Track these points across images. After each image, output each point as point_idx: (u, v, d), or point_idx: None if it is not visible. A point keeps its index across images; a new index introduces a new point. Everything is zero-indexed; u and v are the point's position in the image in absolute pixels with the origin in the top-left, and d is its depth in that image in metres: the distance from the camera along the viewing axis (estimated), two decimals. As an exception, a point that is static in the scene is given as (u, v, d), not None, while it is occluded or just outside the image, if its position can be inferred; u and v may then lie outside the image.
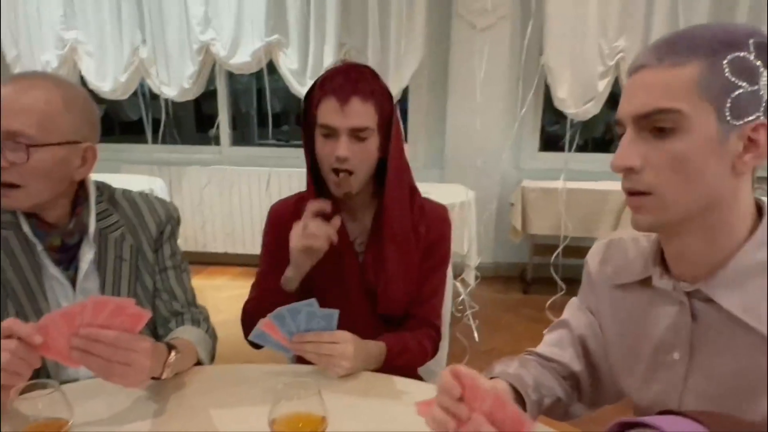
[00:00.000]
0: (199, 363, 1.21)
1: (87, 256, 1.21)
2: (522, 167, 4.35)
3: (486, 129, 3.98)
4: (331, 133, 1.24)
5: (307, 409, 0.85)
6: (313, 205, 1.23)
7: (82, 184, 1.22)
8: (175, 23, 4.21)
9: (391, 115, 1.28)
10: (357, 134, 1.24)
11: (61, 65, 4.36)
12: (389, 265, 1.32)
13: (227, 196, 4.53)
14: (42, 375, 0.91)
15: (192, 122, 5.27)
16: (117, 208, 1.27)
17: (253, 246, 4.48)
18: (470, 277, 3.48)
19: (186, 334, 1.21)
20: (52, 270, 1.19)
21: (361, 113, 1.23)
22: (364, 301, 1.35)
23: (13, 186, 1.08)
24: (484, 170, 3.99)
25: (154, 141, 4.55)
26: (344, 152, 1.23)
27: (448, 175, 4.22)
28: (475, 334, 3.33)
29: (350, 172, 1.25)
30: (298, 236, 1.21)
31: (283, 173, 4.40)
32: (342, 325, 1.15)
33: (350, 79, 1.24)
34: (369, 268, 1.34)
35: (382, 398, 1.10)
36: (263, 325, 1.13)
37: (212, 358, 1.28)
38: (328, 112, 1.23)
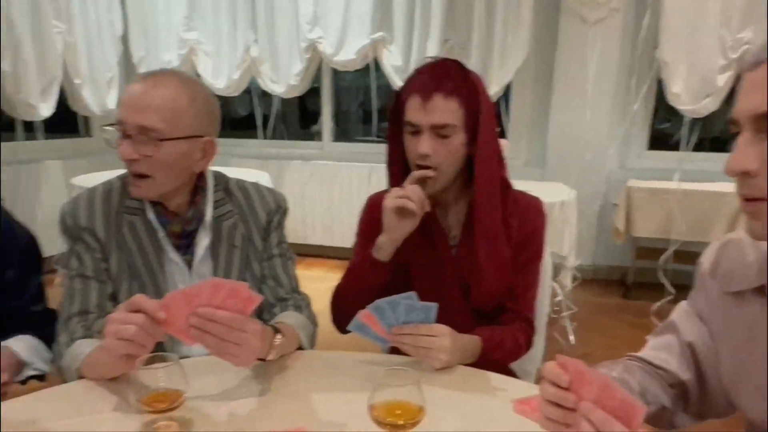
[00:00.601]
0: (300, 348, 1.26)
1: (203, 242, 1.30)
2: (628, 166, 4.16)
3: (592, 126, 3.84)
4: (415, 130, 1.26)
5: (405, 398, 0.86)
6: (416, 173, 1.26)
7: (201, 175, 1.31)
8: (285, 22, 4.40)
9: (479, 111, 1.27)
10: (439, 131, 1.24)
11: (181, 64, 4.67)
12: (481, 259, 1.31)
13: (327, 190, 4.67)
14: (159, 350, 0.98)
15: (296, 118, 5.46)
16: (231, 197, 1.35)
17: (351, 240, 4.52)
18: (567, 278, 3.38)
19: (290, 319, 1.27)
20: (172, 254, 1.28)
21: (443, 110, 1.23)
22: (458, 295, 1.36)
23: (143, 176, 1.19)
24: (587, 169, 3.85)
25: (264, 136, 4.78)
26: (426, 149, 1.24)
27: (549, 174, 4.11)
28: (571, 337, 3.23)
29: (434, 169, 1.26)
30: (393, 197, 1.24)
31: (382, 168, 4.42)
32: (436, 318, 1.16)
33: (434, 76, 1.25)
34: (463, 262, 1.35)
35: (478, 393, 1.10)
36: (362, 316, 1.15)
37: (312, 344, 1.33)
38: (412, 109, 1.25)
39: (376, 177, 4.46)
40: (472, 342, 1.24)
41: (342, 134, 5.03)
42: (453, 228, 1.39)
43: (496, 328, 1.31)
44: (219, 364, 1.01)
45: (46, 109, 4.05)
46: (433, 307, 1.14)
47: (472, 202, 1.33)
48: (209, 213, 1.30)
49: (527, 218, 1.36)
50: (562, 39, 3.97)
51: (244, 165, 4.51)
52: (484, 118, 1.27)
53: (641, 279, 3.91)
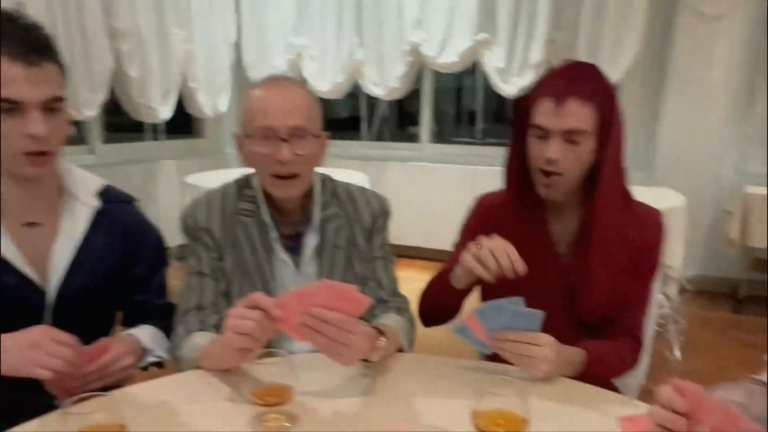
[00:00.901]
0: (400, 350, 1.28)
1: (311, 243, 1.35)
2: (746, 171, 3.86)
3: (706, 128, 3.61)
4: (543, 134, 1.23)
5: (509, 408, 0.86)
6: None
7: None
8: (389, 26, 4.47)
9: (612, 117, 1.22)
10: (570, 137, 1.21)
11: (288, 69, 4.85)
12: (594, 270, 1.27)
13: (424, 192, 4.69)
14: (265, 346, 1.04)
15: (395, 120, 5.52)
16: (337, 200, 1.39)
17: (446, 242, 4.51)
18: (673, 289, 3.19)
19: (391, 321, 1.29)
20: (282, 254, 1.34)
21: (577, 115, 1.19)
22: (564, 305, 1.32)
23: (293, 176, 1.25)
24: (699, 173, 3.62)
25: (366, 138, 4.86)
26: (555, 154, 1.21)
27: (657, 178, 3.90)
28: (677, 352, 3.05)
29: (558, 174, 1.23)
30: (469, 256, 1.18)
31: (479, 171, 4.44)
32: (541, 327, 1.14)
33: (570, 78, 1.21)
34: (572, 271, 1.31)
35: (582, 407, 1.07)
36: (466, 319, 1.15)
37: (411, 347, 1.35)
38: (542, 113, 1.22)
39: (471, 178, 4.44)
40: (575, 354, 1.20)
41: (438, 136, 5.04)
42: (564, 235, 1.35)
43: (602, 342, 1.27)
44: (324, 361, 1.05)
45: (165, 112, 4.35)
46: (539, 314, 1.11)
47: (588, 210, 1.29)
48: (317, 215, 1.35)
49: (646, 231, 1.31)
50: (678, 36, 3.76)
51: (342, 166, 4.62)
52: (615, 125, 1.23)
53: (754, 292, 3.64)
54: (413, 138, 5.03)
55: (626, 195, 1.31)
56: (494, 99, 4.78)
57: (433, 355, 1.27)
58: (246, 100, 1.28)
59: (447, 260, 1.45)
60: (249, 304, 1.02)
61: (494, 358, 1.19)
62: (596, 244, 1.27)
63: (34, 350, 0.99)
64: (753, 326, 3.24)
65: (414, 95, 4.87)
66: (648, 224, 1.31)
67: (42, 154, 1.12)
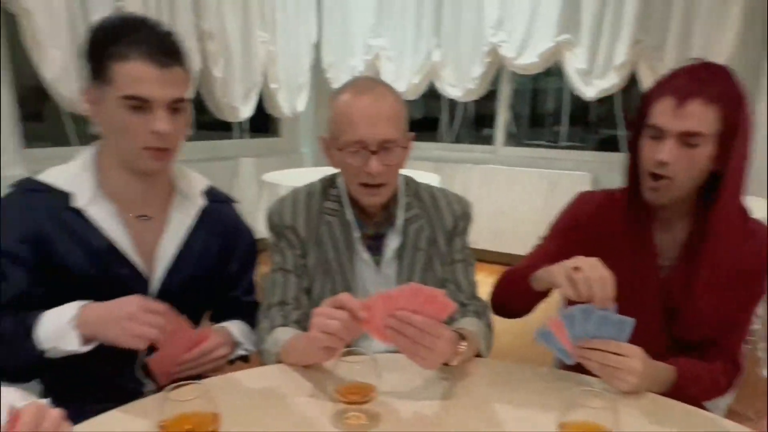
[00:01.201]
0: (477, 354, 1.26)
1: (392, 244, 1.36)
2: None
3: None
4: (657, 135, 1.17)
5: (599, 421, 0.84)
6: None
7: None
8: (469, 27, 4.43)
9: (738, 124, 1.14)
10: (687, 139, 1.14)
11: (366, 69, 4.90)
12: (700, 287, 1.20)
13: (495, 195, 4.62)
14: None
15: (470, 122, 5.47)
16: (419, 201, 1.39)
17: (517, 246, 4.43)
18: (763, 305, 2.97)
19: (470, 325, 1.28)
20: (364, 255, 1.35)
21: (698, 117, 1.12)
22: (660, 320, 1.26)
23: (380, 185, 1.27)
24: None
25: (444, 139, 4.83)
26: (666, 156, 1.14)
27: (751, 186, 3.65)
28: (764, 371, 2.86)
29: (668, 178, 1.16)
30: (563, 275, 1.11)
31: (554, 174, 4.35)
32: (630, 341, 1.08)
33: (695, 78, 1.14)
34: (674, 286, 1.24)
35: (669, 425, 1.02)
36: (551, 323, 1.11)
37: (489, 351, 1.33)
38: (660, 112, 1.16)
39: (547, 182, 4.36)
40: (665, 371, 1.15)
41: (513, 138, 4.95)
42: (668, 249, 1.28)
43: (695, 362, 1.20)
44: (403, 362, 1.06)
45: (246, 111, 4.49)
46: (629, 322, 1.06)
47: (701, 222, 1.22)
48: (400, 217, 1.36)
49: (761, 251, 1.22)
50: (776, 38, 3.53)
51: (415, 167, 4.63)
52: (741, 133, 1.14)
53: None
54: (487, 140, 4.97)
55: (743, 210, 1.24)
56: (573, 102, 4.65)
57: (512, 363, 1.25)
58: (333, 104, 1.28)
59: (530, 254, 1.42)
60: (335, 304, 1.04)
61: (571, 368, 1.16)
62: (706, 260, 1.20)
63: (130, 321, 1.02)
64: None
65: (489, 97, 4.81)
66: (764, 244, 1.22)
67: (163, 150, 1.19)
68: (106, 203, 1.22)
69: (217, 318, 1.42)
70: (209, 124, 4.63)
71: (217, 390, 0.90)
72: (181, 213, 1.32)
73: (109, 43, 1.12)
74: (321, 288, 1.34)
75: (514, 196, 4.55)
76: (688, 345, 1.25)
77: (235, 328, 1.34)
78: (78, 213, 1.19)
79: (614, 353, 1.07)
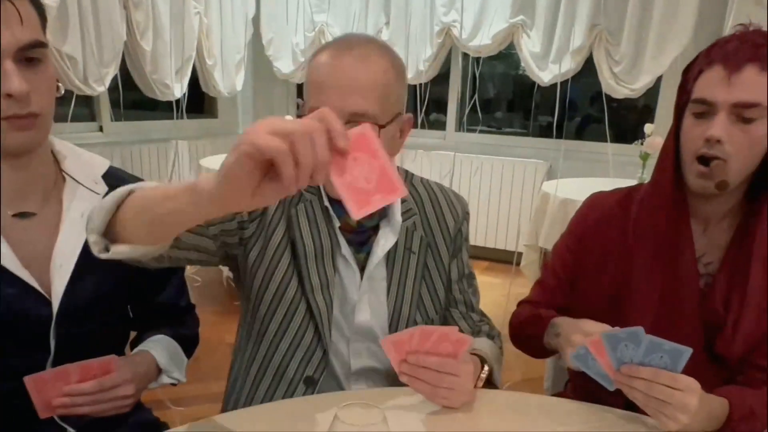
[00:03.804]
0: (489, 380, 1.06)
1: (385, 243, 1.09)
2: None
3: None
4: (706, 110, 0.99)
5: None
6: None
7: None
8: (419, 5, 4.23)
9: None
10: (742, 113, 0.95)
11: (308, 48, 4.60)
12: (751, 297, 1.03)
13: (448, 183, 4.45)
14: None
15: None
16: (412, 194, 1.15)
17: (479, 238, 4.36)
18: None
19: (486, 347, 1.10)
20: (344, 249, 1.08)
21: (754, 85, 0.94)
22: (697, 334, 1.07)
23: None
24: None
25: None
26: (718, 131, 0.96)
27: None
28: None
29: (722, 160, 0.97)
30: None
31: (496, 161, 4.33)
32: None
33: (749, 42, 0.96)
34: (716, 295, 1.06)
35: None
36: (591, 344, 0.93)
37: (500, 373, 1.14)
38: (708, 84, 0.98)
39: (488, 169, 4.32)
40: (720, 407, 0.95)
41: (463, 124, 4.82)
42: (709, 251, 1.10)
43: (747, 391, 1.00)
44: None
45: (179, 90, 4.11)
46: (686, 352, 0.87)
47: (748, 221, 1.05)
48: (398, 211, 1.10)
49: None
50: (732, 24, 3.51)
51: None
52: None
53: None
54: (438, 125, 4.80)
55: None
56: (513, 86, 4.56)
57: (546, 396, 1.10)
58: (309, 62, 1.02)
59: (541, 279, 1.27)
60: (313, 116, 0.61)
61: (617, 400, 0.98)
62: (757, 264, 1.03)
63: None
64: None
65: (439, 80, 4.61)
66: None
67: (25, 117, 0.86)
68: None
69: (143, 327, 1.17)
70: (137, 103, 4.22)
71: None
72: (77, 204, 1.01)
73: None
74: (288, 277, 1.05)
75: (464, 183, 4.41)
76: (726, 363, 1.07)
77: (161, 351, 1.08)
78: None
79: (666, 386, 0.88)
